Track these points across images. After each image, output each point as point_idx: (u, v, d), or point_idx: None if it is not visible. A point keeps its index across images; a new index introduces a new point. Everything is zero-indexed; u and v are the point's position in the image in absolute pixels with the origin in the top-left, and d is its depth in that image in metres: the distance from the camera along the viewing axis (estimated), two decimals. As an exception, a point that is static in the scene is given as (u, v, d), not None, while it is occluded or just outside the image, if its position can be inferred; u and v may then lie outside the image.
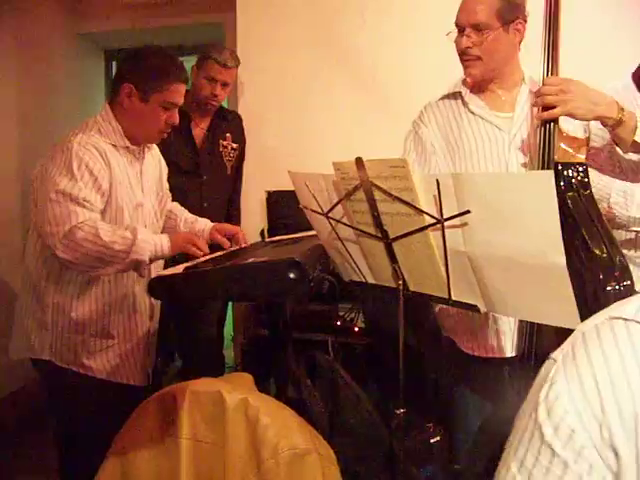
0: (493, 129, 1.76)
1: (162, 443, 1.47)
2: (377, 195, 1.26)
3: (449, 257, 1.22)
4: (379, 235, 1.33)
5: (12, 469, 2.82)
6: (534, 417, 0.76)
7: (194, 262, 1.77)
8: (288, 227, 2.74)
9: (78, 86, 3.93)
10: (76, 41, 3.92)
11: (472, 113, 1.78)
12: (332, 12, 3.12)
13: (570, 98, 1.53)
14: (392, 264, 1.36)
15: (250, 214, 3.23)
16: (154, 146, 2.12)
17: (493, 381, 1.76)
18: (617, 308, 0.77)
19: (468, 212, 1.12)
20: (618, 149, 1.64)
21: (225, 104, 3.10)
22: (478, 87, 1.79)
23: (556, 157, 1.58)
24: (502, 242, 1.11)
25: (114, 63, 4.48)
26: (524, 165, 1.72)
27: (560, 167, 1.57)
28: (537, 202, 1.03)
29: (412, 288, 1.38)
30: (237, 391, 1.47)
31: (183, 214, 2.24)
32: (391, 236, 1.30)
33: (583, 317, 0.91)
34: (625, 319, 0.74)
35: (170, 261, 2.01)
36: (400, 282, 1.37)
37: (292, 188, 1.54)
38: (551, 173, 1.02)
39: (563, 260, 1.03)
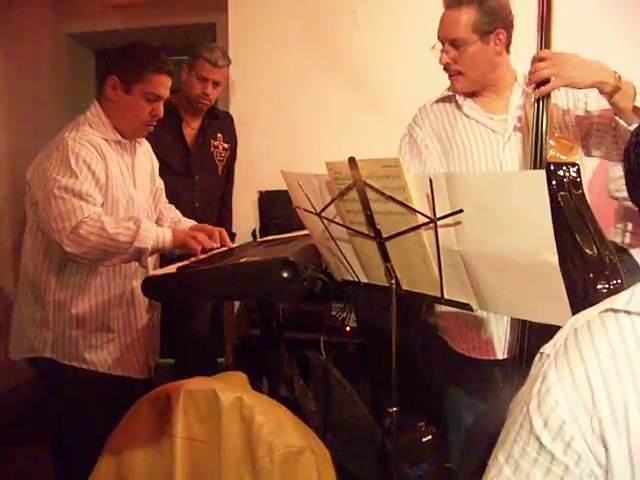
0: (488, 132, 1.76)
1: (157, 442, 1.47)
2: (370, 194, 1.27)
3: (442, 256, 1.22)
4: (372, 234, 1.33)
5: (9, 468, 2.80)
6: (525, 410, 0.77)
7: (187, 262, 1.77)
8: (280, 227, 2.74)
9: (69, 86, 3.90)
10: (66, 41, 3.89)
11: (467, 116, 1.78)
12: (323, 12, 3.13)
13: (566, 69, 1.52)
14: (385, 263, 1.36)
15: (242, 214, 3.22)
16: (145, 141, 2.12)
17: (486, 382, 1.77)
18: (609, 301, 0.78)
19: (461, 211, 1.13)
20: (622, 122, 1.58)
21: (216, 104, 3.10)
22: (471, 93, 1.79)
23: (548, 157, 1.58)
24: (495, 241, 1.12)
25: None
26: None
27: (552, 167, 1.57)
28: (529, 201, 1.03)
29: (405, 287, 1.39)
30: (232, 390, 1.47)
31: (170, 214, 2.24)
32: (384, 235, 1.31)
33: (574, 315, 0.91)
34: (615, 310, 0.76)
35: (163, 261, 2.01)
36: (393, 281, 1.38)
37: (284, 188, 1.54)
38: (543, 172, 1.03)
39: (555, 258, 1.04)
